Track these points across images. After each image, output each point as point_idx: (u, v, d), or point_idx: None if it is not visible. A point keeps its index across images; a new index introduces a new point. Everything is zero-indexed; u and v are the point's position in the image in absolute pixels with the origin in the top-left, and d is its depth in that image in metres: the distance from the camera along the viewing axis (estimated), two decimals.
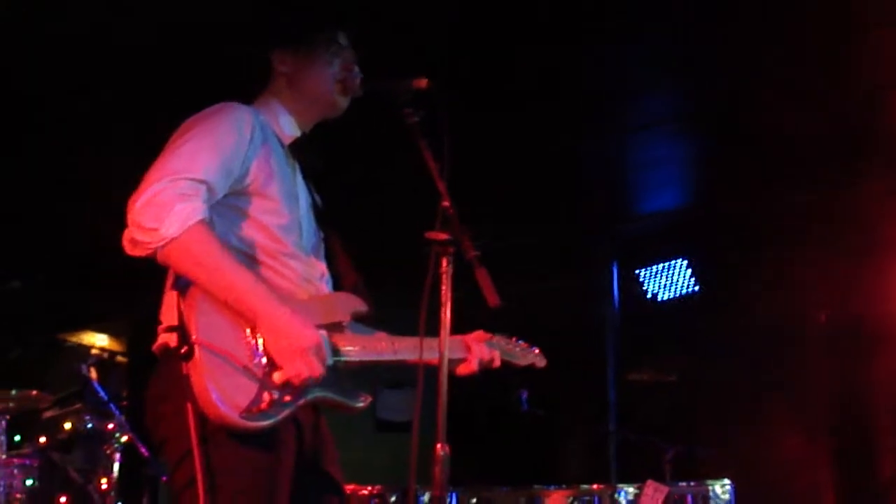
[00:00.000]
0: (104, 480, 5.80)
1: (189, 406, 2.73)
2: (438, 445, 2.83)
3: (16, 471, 5.52)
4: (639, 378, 6.81)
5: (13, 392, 5.29)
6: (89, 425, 5.72)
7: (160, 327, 2.94)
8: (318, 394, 2.95)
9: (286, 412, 2.84)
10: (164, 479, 5.93)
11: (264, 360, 2.83)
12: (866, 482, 6.00)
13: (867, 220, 5.90)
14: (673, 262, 7.21)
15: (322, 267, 3.19)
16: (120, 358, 7.47)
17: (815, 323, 6.31)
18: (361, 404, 3.10)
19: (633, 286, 7.34)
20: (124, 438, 5.80)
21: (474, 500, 4.49)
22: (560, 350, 6.37)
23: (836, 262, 6.12)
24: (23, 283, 6.70)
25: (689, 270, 7.17)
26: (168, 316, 2.90)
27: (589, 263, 7.34)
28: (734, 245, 6.76)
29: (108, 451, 5.78)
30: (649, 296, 7.32)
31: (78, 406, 5.74)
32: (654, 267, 7.30)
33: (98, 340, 6.60)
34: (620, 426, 6.39)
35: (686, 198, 7.05)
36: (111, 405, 5.67)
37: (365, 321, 3.22)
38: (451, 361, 3.18)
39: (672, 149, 6.34)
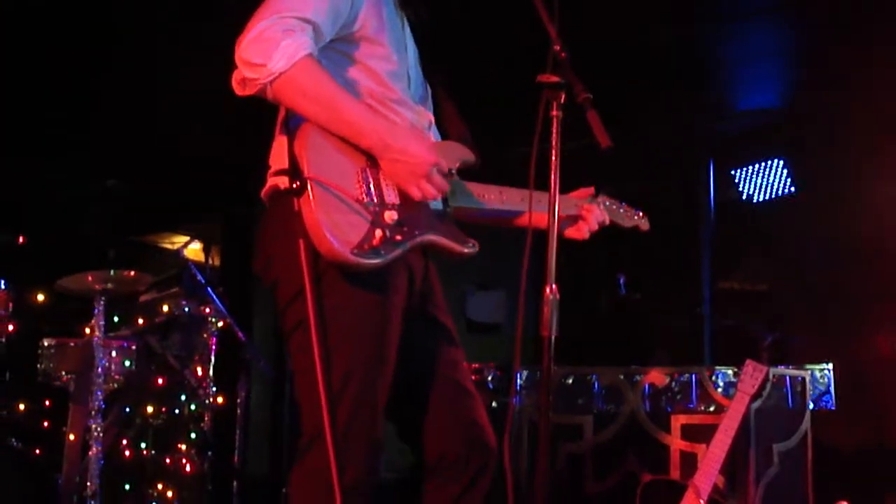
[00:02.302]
0: (199, 368, 5.89)
1: (301, 242, 2.74)
2: (548, 288, 2.81)
3: (114, 352, 5.61)
4: (730, 286, 6.74)
5: (111, 272, 5.35)
6: (186, 309, 5.79)
7: (269, 172, 2.95)
8: (428, 235, 2.96)
9: (397, 252, 2.85)
10: (261, 364, 6.05)
11: (377, 197, 2.84)
12: None
13: None
14: (770, 161, 7.07)
15: (430, 116, 3.18)
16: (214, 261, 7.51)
17: None
18: (471, 249, 3.10)
19: (728, 187, 7.21)
20: (221, 324, 5.88)
21: (571, 377, 4.46)
22: (654, 249, 6.38)
23: None
24: (118, 183, 6.76)
25: (786, 171, 7.02)
26: (278, 160, 2.90)
27: (683, 163, 7.21)
28: (834, 144, 6.59)
29: (205, 336, 5.87)
30: (744, 197, 7.20)
31: (175, 290, 5.82)
32: (750, 167, 7.17)
33: (192, 244, 6.64)
34: (715, 312, 6.31)
35: (785, 94, 6.90)
36: (208, 289, 5.74)
37: (472, 170, 3.21)
38: (562, 221, 3.17)
39: (771, 42, 6.19)
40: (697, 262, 6.95)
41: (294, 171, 2.76)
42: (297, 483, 2.90)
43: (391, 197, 2.89)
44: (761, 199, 7.12)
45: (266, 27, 2.72)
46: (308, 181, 2.71)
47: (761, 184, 7.14)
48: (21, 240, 6.24)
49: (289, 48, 2.71)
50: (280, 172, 2.85)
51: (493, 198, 3.24)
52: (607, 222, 3.41)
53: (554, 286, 2.81)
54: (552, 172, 2.84)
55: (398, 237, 2.85)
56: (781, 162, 7.01)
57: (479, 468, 3.10)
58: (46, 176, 7.14)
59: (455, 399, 3.11)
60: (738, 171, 7.20)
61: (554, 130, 2.86)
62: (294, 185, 2.72)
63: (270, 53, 2.70)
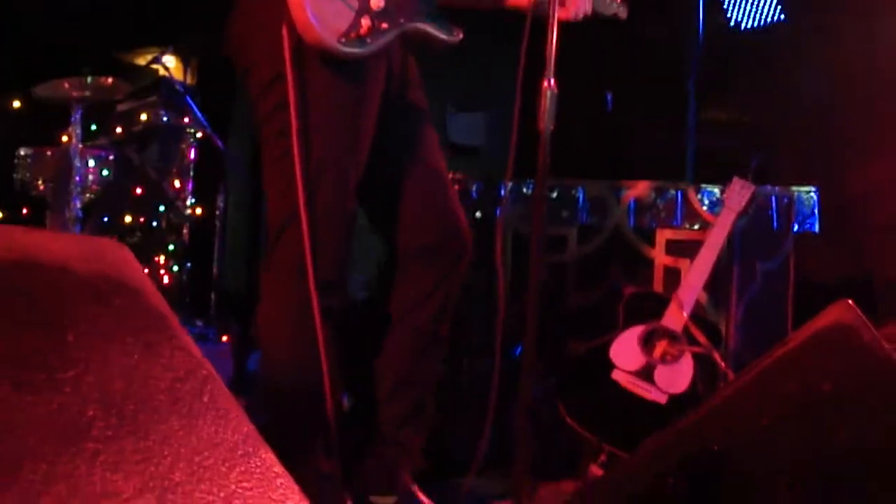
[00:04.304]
0: (177, 180, 5.82)
1: (285, 28, 2.67)
2: (545, 82, 2.75)
3: (91, 162, 5.54)
4: (716, 116, 6.67)
5: (88, 79, 5.25)
6: (165, 119, 5.70)
7: None
8: (415, 23, 2.89)
9: (382, 41, 2.79)
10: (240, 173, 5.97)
11: None
12: None
13: None
14: None
15: None
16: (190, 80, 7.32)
17: None
18: (456, 37, 3.03)
19: (715, 10, 7.07)
20: (199, 134, 5.80)
21: (556, 190, 4.42)
22: (641, 72, 6.29)
23: None
24: None
25: None
26: None
27: None
28: None
29: (184, 147, 5.79)
30: (732, 23, 7.07)
31: (153, 99, 5.71)
32: None
33: (167, 57, 6.47)
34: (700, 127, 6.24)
35: None
36: (187, 98, 5.64)
37: None
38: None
39: None
40: (683, 88, 6.86)
41: None
42: (268, 279, 2.87)
43: None
44: (751, 25, 7.00)
45: None
46: None
47: (751, 10, 7.01)
48: None
49: None
50: None
51: None
52: (590, 11, 3.31)
53: (553, 80, 2.76)
54: None
55: (384, 25, 2.78)
56: None
57: (455, 255, 3.08)
58: None
59: (429, 185, 3.09)
60: None
61: None
62: None
63: None
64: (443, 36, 3.00)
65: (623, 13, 3.50)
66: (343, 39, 2.69)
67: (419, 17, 2.90)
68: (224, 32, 2.94)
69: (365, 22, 2.73)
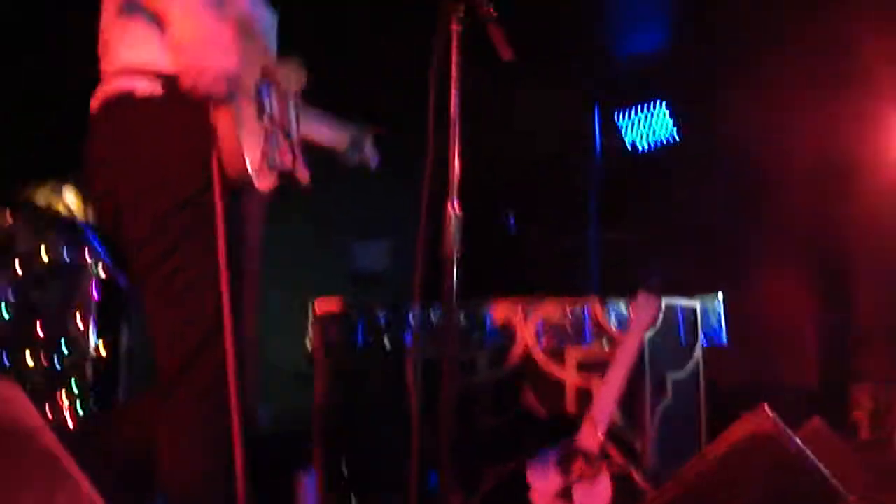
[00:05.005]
0: (80, 317, 5.70)
1: (215, 157, 2.60)
2: (450, 204, 2.76)
3: None
4: (618, 237, 6.77)
5: None
6: (67, 259, 5.59)
7: (117, 67, 2.67)
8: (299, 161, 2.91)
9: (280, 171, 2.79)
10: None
11: (272, 113, 2.75)
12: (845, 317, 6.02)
13: (854, 49, 5.78)
14: (652, 105, 7.09)
15: None
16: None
17: (798, 162, 6.22)
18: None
19: (611, 133, 7.23)
20: (101, 271, 5.69)
21: (463, 313, 4.41)
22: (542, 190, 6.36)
23: (821, 98, 6.02)
24: None
25: (669, 113, 7.05)
26: (136, 52, 2.65)
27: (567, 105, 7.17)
28: (714, 86, 6.62)
29: (86, 285, 5.67)
30: (629, 144, 7.22)
31: (53, 236, 5.60)
32: (633, 111, 7.18)
33: (68, 198, 6.38)
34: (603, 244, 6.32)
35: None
36: (88, 234, 5.55)
37: None
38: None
39: None
40: (584, 208, 6.96)
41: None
42: (177, 414, 2.70)
43: (277, 112, 2.80)
44: (646, 146, 7.15)
45: None
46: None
47: (645, 132, 7.16)
48: None
49: None
50: (148, 72, 2.63)
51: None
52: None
53: (456, 202, 2.77)
54: (453, 87, 2.80)
55: (286, 158, 2.78)
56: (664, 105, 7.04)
57: None
58: None
59: None
60: (622, 114, 7.20)
61: (454, 45, 2.82)
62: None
63: None
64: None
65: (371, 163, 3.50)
66: (256, 171, 2.66)
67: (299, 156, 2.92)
68: (89, 158, 2.78)
69: (271, 153, 2.73)
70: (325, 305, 4.59)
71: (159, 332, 2.68)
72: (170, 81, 2.56)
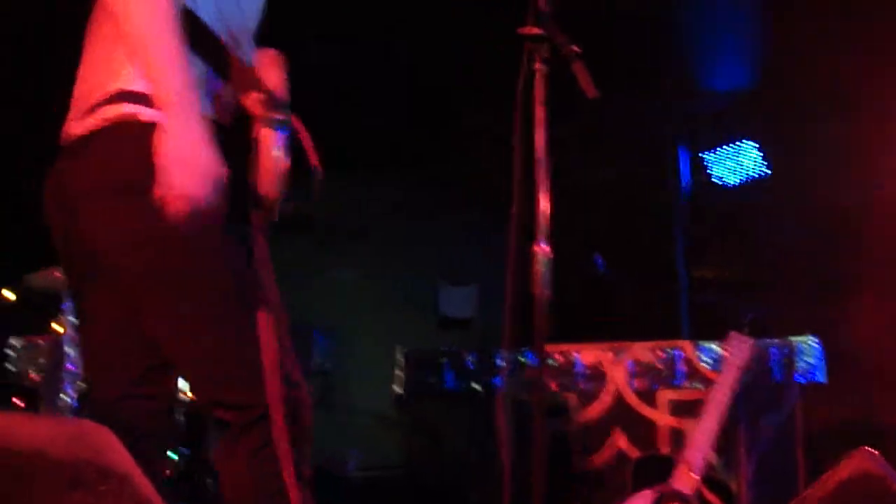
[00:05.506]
0: None
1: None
2: (537, 247, 2.73)
3: None
4: (706, 274, 6.68)
5: None
6: None
7: (110, 91, 2.37)
8: None
9: None
10: None
11: None
12: None
13: None
14: (740, 143, 7.00)
15: None
16: None
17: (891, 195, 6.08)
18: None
19: (698, 170, 7.14)
20: None
21: (552, 357, 4.38)
22: (628, 233, 6.31)
23: None
24: None
25: (759, 151, 6.95)
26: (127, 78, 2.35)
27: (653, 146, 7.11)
28: (802, 122, 6.52)
29: None
30: (715, 179, 7.12)
31: None
32: (721, 149, 7.09)
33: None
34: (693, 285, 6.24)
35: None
36: None
37: None
38: None
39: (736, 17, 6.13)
40: (672, 249, 6.88)
41: None
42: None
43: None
44: (734, 181, 7.05)
45: None
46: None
47: (733, 166, 7.07)
48: None
49: None
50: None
51: None
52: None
53: (545, 244, 2.74)
54: (537, 126, 2.78)
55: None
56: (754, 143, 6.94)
57: None
58: None
59: None
60: (709, 153, 7.12)
61: (537, 84, 2.80)
62: None
63: None
64: None
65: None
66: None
67: None
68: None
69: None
70: (413, 351, 4.61)
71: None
72: None
